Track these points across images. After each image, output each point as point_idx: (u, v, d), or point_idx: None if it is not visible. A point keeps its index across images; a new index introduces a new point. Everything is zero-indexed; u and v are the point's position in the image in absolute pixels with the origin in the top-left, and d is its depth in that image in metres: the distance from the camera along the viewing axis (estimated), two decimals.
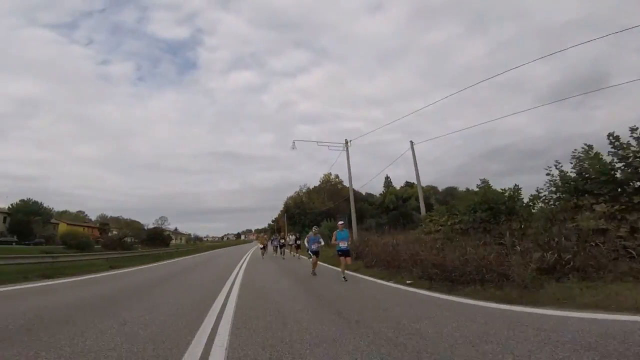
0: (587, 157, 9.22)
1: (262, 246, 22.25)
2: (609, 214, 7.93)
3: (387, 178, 65.95)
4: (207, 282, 9.11)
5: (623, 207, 7.91)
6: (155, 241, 52.99)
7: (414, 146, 18.48)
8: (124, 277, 10.94)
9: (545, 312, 4.14)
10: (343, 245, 9.28)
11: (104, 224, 62.27)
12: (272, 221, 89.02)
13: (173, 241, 63.16)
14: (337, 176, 62.90)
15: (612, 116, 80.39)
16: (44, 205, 46.91)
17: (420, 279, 6.85)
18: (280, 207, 68.89)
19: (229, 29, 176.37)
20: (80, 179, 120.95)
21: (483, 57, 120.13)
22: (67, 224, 52.51)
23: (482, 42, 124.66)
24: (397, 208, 56.09)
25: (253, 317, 4.50)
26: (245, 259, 19.92)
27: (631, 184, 8.23)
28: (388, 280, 7.86)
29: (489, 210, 11.37)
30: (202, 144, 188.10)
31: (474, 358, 2.73)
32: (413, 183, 69.40)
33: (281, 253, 21.82)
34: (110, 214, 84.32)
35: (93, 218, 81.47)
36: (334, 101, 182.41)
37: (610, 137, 8.84)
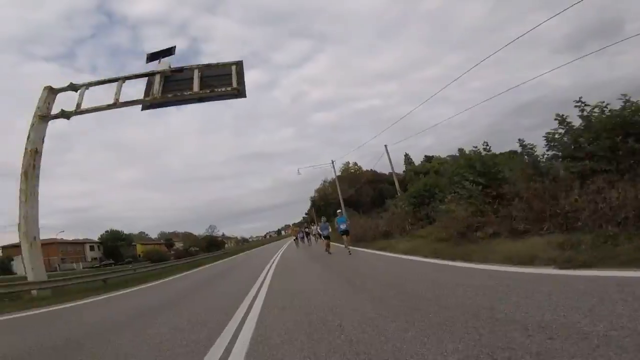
0: (452, 162, 16.54)
1: (294, 237, 30.71)
2: (455, 200, 15.32)
3: (406, 155, 69.61)
4: (266, 257, 18.26)
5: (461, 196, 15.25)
6: (212, 247, 63.75)
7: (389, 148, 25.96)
8: (230, 261, 22.96)
9: (367, 250, 11.88)
10: (343, 227, 12.83)
11: (169, 239, 74.52)
12: (306, 213, 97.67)
13: (227, 245, 74.26)
14: (355, 163, 69.48)
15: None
16: (125, 232, 59.11)
17: (355, 242, 14.91)
18: (313, 195, 75.38)
19: (223, 32, 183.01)
20: (125, 203, 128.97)
21: (486, 15, 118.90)
22: (142, 244, 64.61)
23: (480, 1, 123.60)
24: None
25: (284, 266, 12.71)
26: (283, 248, 28.58)
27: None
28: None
29: (417, 198, 18.86)
30: (229, 149, 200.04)
31: (345, 260, 10.78)
32: (432, 156, 73.17)
33: (308, 241, 29.25)
34: (165, 229, 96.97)
35: (152, 236, 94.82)
36: (345, 83, 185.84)
37: (460, 150, 16.12)
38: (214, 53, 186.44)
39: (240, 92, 13.56)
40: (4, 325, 6.51)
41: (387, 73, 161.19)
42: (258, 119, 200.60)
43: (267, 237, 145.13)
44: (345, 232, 12.58)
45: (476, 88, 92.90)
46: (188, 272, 17.99)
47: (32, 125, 13.27)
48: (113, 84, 13.63)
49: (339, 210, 16.66)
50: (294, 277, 8.08)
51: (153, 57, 14.23)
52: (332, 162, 27.67)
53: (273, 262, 14.11)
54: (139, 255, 59.11)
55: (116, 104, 13.63)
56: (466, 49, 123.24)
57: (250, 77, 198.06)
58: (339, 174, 72.48)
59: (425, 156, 75.10)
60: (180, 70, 13.88)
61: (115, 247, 54.57)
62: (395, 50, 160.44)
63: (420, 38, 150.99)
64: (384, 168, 63.66)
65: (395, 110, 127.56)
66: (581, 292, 2.84)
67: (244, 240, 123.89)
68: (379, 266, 7.58)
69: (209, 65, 14.11)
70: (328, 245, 13.82)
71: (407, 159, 72.15)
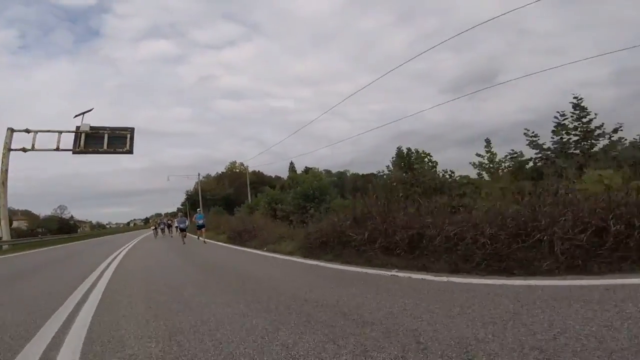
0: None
1: (153, 227, 34.14)
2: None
3: (291, 164, 77.31)
4: (122, 242, 22.77)
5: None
6: (64, 230, 60.21)
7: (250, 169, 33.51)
8: (85, 243, 24.92)
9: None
10: (200, 222, 16.70)
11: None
12: (182, 205, 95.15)
13: (80, 229, 69.83)
14: (241, 164, 73.70)
15: (497, 107, 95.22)
16: None
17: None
18: (189, 190, 73.59)
19: None
20: None
21: (405, 46, 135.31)
22: None
23: (407, 33, 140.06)
24: None
25: (137, 249, 18.62)
26: (142, 236, 32.84)
27: None
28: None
29: (250, 208, 26.90)
30: (101, 119, 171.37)
31: (201, 252, 17.51)
32: (311, 168, 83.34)
33: (169, 233, 29.61)
34: None
35: None
36: (262, 78, 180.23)
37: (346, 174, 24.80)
38: (125, 15, 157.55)
39: (130, 151, 25.15)
40: None
41: (306, 78, 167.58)
42: (149, 92, 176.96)
43: (132, 225, 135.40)
44: (202, 226, 16.66)
45: (373, 110, 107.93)
46: (57, 246, 21.73)
47: (4, 154, 22.48)
48: (55, 133, 24.15)
49: (198, 209, 21.97)
50: (148, 252, 14.53)
51: (78, 115, 24.13)
52: (199, 174, 33.69)
53: (130, 244, 19.70)
54: None
55: (58, 149, 23.28)
56: (378, 72, 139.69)
57: (156, 47, 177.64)
58: (224, 170, 76.93)
59: (306, 167, 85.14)
60: (97, 131, 24.59)
61: None
62: (320, 59, 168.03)
63: (345, 54, 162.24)
64: (272, 171, 70.08)
65: (303, 115, 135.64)
66: (253, 255, 10.65)
67: (100, 226, 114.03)
68: (192, 242, 14.80)
69: (113, 129, 24.85)
70: (184, 236, 17.57)
71: (292, 167, 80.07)
